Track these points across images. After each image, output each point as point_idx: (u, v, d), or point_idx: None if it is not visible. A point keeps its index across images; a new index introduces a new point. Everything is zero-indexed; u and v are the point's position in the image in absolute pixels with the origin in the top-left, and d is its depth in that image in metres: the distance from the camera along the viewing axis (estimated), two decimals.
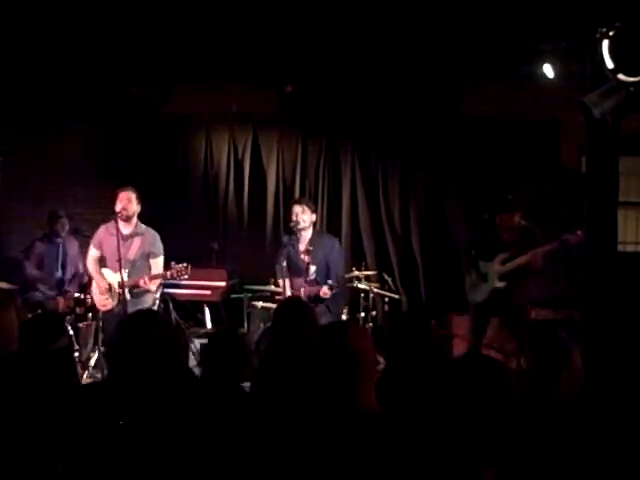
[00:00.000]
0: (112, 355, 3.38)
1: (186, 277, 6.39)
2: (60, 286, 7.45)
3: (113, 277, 6.37)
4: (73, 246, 7.66)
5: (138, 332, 3.29)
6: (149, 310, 4.61)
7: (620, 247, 7.43)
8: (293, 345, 3.16)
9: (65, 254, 7.55)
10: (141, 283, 6.23)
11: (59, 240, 7.57)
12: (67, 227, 7.63)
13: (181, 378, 3.43)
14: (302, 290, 6.48)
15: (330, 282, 6.32)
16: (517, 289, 6.43)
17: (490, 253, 6.41)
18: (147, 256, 6.39)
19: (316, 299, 6.36)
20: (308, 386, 2.43)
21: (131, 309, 6.03)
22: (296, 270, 6.57)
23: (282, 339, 3.24)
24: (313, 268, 6.47)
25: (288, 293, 6.50)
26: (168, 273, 6.30)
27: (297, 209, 6.54)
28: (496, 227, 6.47)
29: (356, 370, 2.35)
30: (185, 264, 6.28)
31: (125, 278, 6.09)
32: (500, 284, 6.33)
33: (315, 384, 2.40)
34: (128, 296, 6.12)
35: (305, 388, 2.48)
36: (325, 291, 6.33)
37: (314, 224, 6.64)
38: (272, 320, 3.97)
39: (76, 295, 7.17)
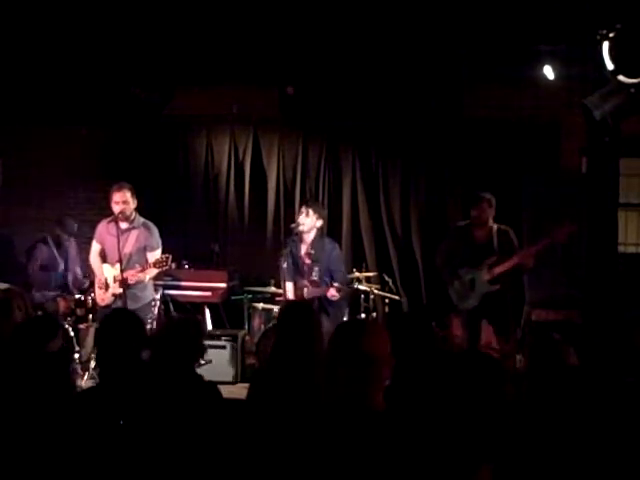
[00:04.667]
0: (99, 359, 3.40)
1: (167, 268, 6.40)
2: (62, 288, 7.44)
3: (110, 271, 6.40)
4: (73, 249, 7.67)
5: (112, 334, 3.31)
6: (121, 310, 4.64)
7: (621, 248, 7.45)
8: (297, 347, 3.16)
9: (67, 257, 7.56)
10: (130, 279, 6.23)
11: (63, 243, 7.58)
12: (70, 236, 7.62)
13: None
14: (305, 290, 6.49)
15: (337, 284, 6.31)
16: (511, 291, 6.40)
17: (473, 259, 6.33)
18: (144, 249, 6.40)
19: (319, 300, 6.36)
20: (314, 385, 2.43)
21: (130, 305, 6.06)
22: (298, 271, 6.58)
23: (286, 341, 3.23)
24: (316, 269, 6.46)
25: (290, 294, 6.52)
26: (151, 263, 6.29)
27: (302, 210, 6.57)
28: (471, 231, 6.43)
29: (368, 370, 2.35)
30: (166, 255, 6.28)
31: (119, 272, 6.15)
32: (493, 287, 6.29)
33: (325, 381, 2.40)
34: (120, 290, 6.17)
35: (309, 388, 2.48)
36: (333, 293, 6.29)
37: (319, 229, 6.60)
38: (277, 321, 3.98)
39: (77, 297, 7.18)
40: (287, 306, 4.27)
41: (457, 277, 6.41)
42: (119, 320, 3.42)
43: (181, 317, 4.47)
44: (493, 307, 6.28)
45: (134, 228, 6.40)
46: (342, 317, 6.68)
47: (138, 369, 3.24)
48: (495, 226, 6.38)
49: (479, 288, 6.29)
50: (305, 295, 6.48)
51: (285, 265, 6.48)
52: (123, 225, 6.35)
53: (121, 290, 6.17)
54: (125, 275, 6.17)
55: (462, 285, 6.39)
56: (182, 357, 3.38)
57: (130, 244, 6.35)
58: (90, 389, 3.52)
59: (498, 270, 6.23)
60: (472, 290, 6.32)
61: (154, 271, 6.37)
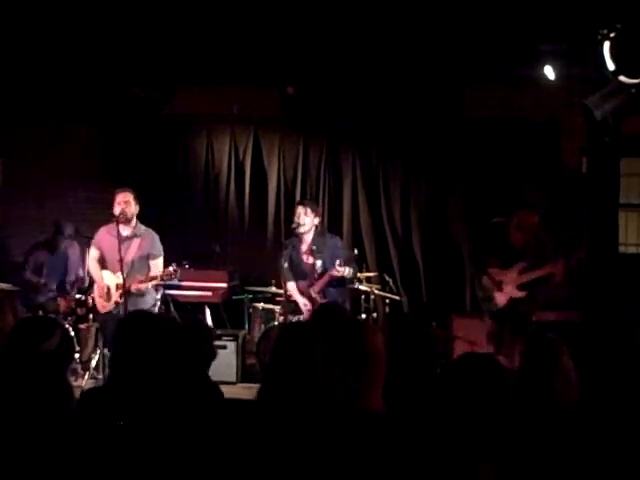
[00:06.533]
0: (113, 359, 3.39)
1: (176, 280, 6.40)
2: (61, 288, 7.40)
3: (111, 279, 6.37)
4: (74, 250, 7.59)
5: (135, 333, 3.30)
6: (144, 311, 4.66)
7: (621, 249, 7.45)
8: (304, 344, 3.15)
9: (66, 259, 7.49)
10: (133, 289, 6.24)
11: (59, 247, 7.52)
12: (69, 239, 7.57)
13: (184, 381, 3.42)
14: (311, 290, 6.50)
15: (338, 261, 6.23)
16: (535, 299, 6.32)
17: (504, 260, 6.24)
18: (146, 257, 6.40)
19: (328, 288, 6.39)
20: (314, 384, 2.42)
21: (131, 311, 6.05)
22: (298, 273, 6.58)
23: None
24: (319, 262, 6.46)
25: (295, 293, 6.52)
26: (158, 276, 6.30)
27: (300, 210, 6.57)
28: (506, 231, 6.34)
29: (367, 370, 2.35)
30: (175, 268, 6.26)
31: (121, 280, 6.13)
32: (520, 294, 6.22)
33: (323, 381, 2.39)
34: (121, 299, 6.17)
35: (311, 387, 2.47)
36: (337, 268, 6.22)
37: (317, 226, 6.62)
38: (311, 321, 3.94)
39: (77, 296, 7.17)
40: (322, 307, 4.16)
41: (487, 275, 6.33)
42: (137, 322, 3.40)
43: (190, 320, 4.45)
44: (515, 312, 6.21)
45: (136, 236, 6.38)
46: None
47: (152, 371, 3.23)
48: (539, 234, 6.22)
49: (506, 291, 6.21)
50: (312, 294, 6.49)
51: (286, 265, 6.49)
52: (125, 232, 6.32)
53: (122, 299, 6.17)
54: (128, 285, 6.17)
55: (490, 285, 6.28)
56: (194, 361, 3.38)
57: (132, 252, 6.33)
58: (96, 389, 3.52)
59: (528, 277, 6.16)
60: (499, 292, 6.29)
61: (156, 280, 6.38)
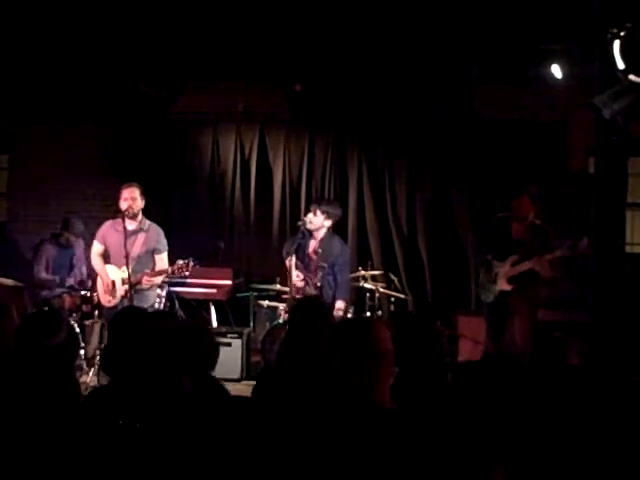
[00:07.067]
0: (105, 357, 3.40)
1: (187, 274, 6.40)
2: (68, 286, 7.41)
3: (116, 274, 6.37)
4: (80, 248, 7.62)
5: (126, 330, 3.30)
6: (135, 308, 4.66)
7: (628, 248, 7.43)
8: (308, 343, 3.15)
9: (72, 255, 7.52)
10: (144, 282, 6.25)
11: (71, 244, 7.54)
12: (77, 236, 7.58)
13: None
14: (306, 288, 6.51)
15: (340, 304, 6.39)
16: (524, 292, 6.33)
17: (503, 253, 6.30)
18: (152, 252, 6.40)
19: None
20: (323, 381, 2.42)
21: (137, 304, 6.05)
22: (303, 262, 6.60)
23: (298, 337, 3.22)
24: (320, 274, 6.48)
25: (292, 267, 6.52)
26: (169, 269, 6.31)
27: (310, 209, 6.63)
28: (509, 225, 6.36)
29: (376, 366, 2.34)
30: (186, 261, 6.27)
31: (127, 275, 6.14)
32: (508, 287, 6.26)
33: (332, 378, 2.39)
34: (126, 287, 6.17)
35: (319, 384, 2.47)
36: (340, 306, 6.39)
37: (329, 228, 6.63)
38: (289, 316, 3.96)
39: (82, 293, 7.17)
40: (299, 302, 4.25)
41: (486, 267, 6.36)
42: (130, 318, 3.40)
43: (190, 324, 4.43)
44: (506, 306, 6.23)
45: (142, 230, 6.38)
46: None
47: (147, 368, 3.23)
48: (536, 223, 6.29)
49: (499, 284, 6.25)
50: (306, 292, 6.51)
51: (294, 246, 6.49)
52: (131, 226, 6.32)
53: (128, 294, 6.17)
54: (135, 280, 6.17)
55: (487, 277, 6.35)
56: (195, 366, 3.36)
57: (138, 246, 6.33)
58: (100, 389, 3.51)
59: (514, 270, 6.18)
60: (494, 284, 6.28)
61: (167, 274, 6.40)
